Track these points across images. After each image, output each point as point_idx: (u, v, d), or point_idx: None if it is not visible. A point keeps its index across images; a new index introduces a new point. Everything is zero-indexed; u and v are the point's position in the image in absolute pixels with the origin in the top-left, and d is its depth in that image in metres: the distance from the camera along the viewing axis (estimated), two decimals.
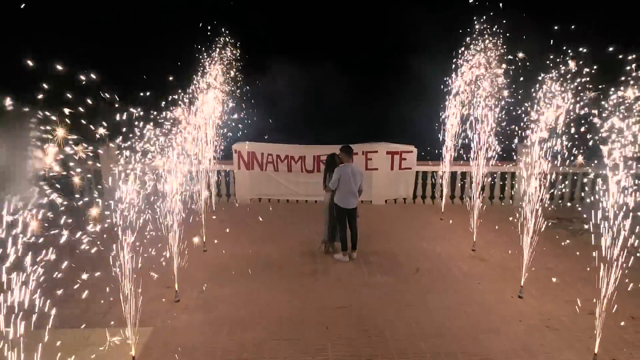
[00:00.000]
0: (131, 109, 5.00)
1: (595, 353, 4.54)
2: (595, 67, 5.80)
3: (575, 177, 10.27)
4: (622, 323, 5.25)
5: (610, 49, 5.51)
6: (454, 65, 8.35)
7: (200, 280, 6.38)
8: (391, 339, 5.01)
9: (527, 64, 7.26)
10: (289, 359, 4.62)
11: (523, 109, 6.61)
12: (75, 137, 3.50)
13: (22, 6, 6.20)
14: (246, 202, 10.39)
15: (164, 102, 6.41)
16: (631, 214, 4.38)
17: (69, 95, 4.11)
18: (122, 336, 4.67)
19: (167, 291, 5.94)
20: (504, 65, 7.61)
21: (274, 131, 11.01)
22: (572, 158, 5.84)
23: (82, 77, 4.36)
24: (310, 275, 6.70)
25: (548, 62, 5.92)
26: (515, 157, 9.57)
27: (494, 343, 4.95)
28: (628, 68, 4.71)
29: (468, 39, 8.12)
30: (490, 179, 9.97)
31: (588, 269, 5.84)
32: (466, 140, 7.94)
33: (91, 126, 4.18)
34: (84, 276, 5.20)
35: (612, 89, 4.74)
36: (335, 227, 7.30)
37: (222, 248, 7.56)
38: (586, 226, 4.67)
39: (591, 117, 5.09)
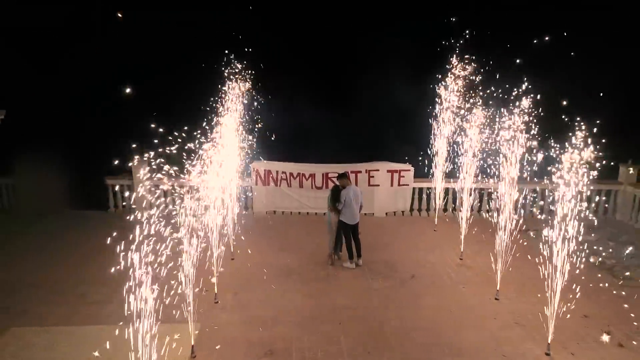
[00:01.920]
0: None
1: (549, 342, 5.85)
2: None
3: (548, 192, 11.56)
4: (567, 318, 6.57)
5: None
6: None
7: (232, 285, 7.70)
8: (390, 332, 6.34)
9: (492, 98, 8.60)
10: (312, 349, 5.94)
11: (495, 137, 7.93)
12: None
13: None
14: (263, 215, 11.68)
15: (198, 133, 7.71)
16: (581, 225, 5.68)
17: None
18: (177, 330, 5.98)
19: (207, 294, 7.26)
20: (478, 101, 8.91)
21: (280, 149, 12.25)
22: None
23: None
24: (323, 280, 8.02)
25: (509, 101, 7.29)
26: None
27: (471, 336, 6.27)
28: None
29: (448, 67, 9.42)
30: (476, 194, 11.24)
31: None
32: (453, 162, 9.25)
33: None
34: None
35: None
36: (340, 239, 8.61)
37: (247, 257, 8.87)
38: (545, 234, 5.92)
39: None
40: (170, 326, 5.95)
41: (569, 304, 6.41)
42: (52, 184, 11.81)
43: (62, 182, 11.89)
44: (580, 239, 5.74)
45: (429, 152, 10.08)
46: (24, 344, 6.06)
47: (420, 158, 10.87)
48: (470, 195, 9.06)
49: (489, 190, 10.75)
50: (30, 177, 11.72)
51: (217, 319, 6.63)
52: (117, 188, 11.80)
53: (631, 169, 10.92)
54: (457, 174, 9.14)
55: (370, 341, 6.12)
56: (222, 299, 7.20)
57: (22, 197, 11.84)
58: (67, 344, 6.06)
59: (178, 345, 5.76)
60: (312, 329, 6.42)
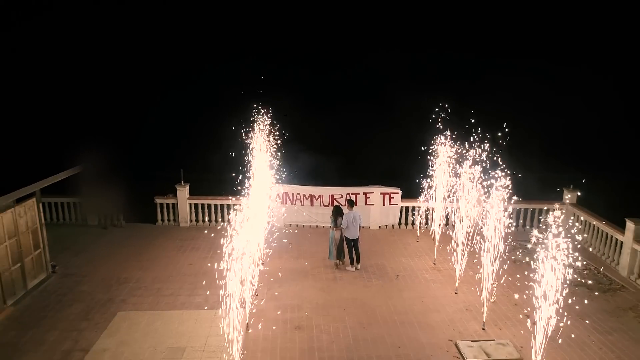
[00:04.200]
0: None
1: (484, 321, 8.77)
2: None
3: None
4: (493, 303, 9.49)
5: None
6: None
7: (266, 283, 10.58)
8: (379, 315, 9.26)
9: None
10: (325, 325, 8.85)
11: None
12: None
13: None
14: (282, 228, 14.55)
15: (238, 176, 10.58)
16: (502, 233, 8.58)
17: None
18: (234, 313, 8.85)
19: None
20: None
21: (297, 175, 15.13)
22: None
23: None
24: (332, 280, 10.94)
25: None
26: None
27: (435, 317, 9.20)
28: None
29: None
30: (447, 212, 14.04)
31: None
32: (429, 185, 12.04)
33: None
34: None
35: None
36: (343, 250, 11.50)
37: (273, 262, 11.75)
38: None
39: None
40: (228, 312, 8.83)
41: (502, 296, 9.35)
42: (111, 202, 14.66)
43: (118, 200, 14.73)
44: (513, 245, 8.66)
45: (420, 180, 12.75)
46: (130, 324, 8.94)
47: (407, 184, 13.78)
48: (443, 212, 11.93)
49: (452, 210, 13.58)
50: (93, 196, 14.58)
51: (259, 307, 9.50)
52: (164, 205, 14.69)
53: (570, 193, 13.85)
54: (432, 196, 12.00)
55: (365, 320, 9.05)
56: (260, 293, 10.09)
57: (87, 213, 14.71)
58: (160, 323, 8.95)
59: (236, 324, 8.66)
60: (325, 312, 9.35)
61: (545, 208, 14.01)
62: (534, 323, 8.70)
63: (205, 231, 13.60)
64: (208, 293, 9.80)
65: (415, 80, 29.76)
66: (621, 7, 31.23)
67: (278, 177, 12.44)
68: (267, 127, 12.22)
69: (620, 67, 30.07)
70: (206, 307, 9.32)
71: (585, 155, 22.03)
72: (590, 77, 28.94)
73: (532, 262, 6.93)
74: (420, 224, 13.85)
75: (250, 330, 8.58)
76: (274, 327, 8.75)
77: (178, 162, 16.24)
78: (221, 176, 14.49)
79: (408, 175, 13.70)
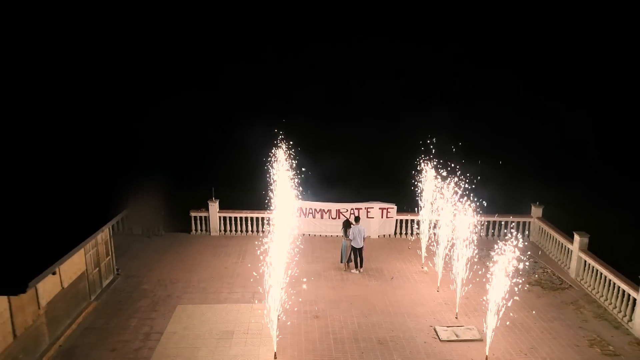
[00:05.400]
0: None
1: (457, 312, 11.59)
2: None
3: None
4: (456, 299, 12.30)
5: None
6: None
7: (290, 283, 13.36)
8: (377, 307, 12.08)
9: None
10: (336, 314, 11.67)
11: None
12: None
13: None
14: (296, 237, 17.30)
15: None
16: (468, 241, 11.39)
17: None
18: (265, 307, 11.62)
19: None
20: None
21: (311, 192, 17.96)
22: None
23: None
24: (340, 280, 13.76)
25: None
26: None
27: (420, 309, 12.02)
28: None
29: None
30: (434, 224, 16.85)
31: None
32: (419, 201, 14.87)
33: None
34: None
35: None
36: (350, 256, 14.31)
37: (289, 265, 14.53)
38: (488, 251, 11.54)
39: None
40: (262, 304, 11.66)
41: (475, 293, 12.16)
42: (152, 214, 17.45)
43: (158, 213, 17.51)
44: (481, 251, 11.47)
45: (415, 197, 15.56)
46: (188, 314, 11.74)
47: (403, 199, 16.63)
48: (431, 224, 14.73)
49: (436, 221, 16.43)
50: (137, 208, 17.36)
51: (285, 301, 12.28)
52: (197, 218, 17.49)
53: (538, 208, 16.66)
54: (420, 209, 14.79)
55: (367, 311, 11.87)
56: (286, 291, 12.87)
57: (132, 224, 17.51)
58: (211, 313, 11.75)
59: (271, 313, 11.47)
60: (335, 305, 12.16)
61: (516, 220, 16.87)
62: (496, 313, 11.57)
63: (233, 239, 16.48)
64: (243, 290, 12.64)
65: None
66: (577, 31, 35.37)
67: (297, 195, 15.27)
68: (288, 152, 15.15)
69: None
70: (245, 302, 12.16)
71: (550, 173, 25.58)
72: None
73: (497, 267, 9.53)
74: (412, 233, 16.72)
75: (284, 317, 11.36)
76: (297, 317, 11.57)
77: (206, 178, 19.17)
78: (247, 190, 17.60)
79: (404, 193, 16.59)
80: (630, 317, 11.11)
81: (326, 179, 20.17)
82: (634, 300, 10.98)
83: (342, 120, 32.80)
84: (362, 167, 26.24)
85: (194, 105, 33.15)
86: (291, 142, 16.34)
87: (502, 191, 17.64)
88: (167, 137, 28.24)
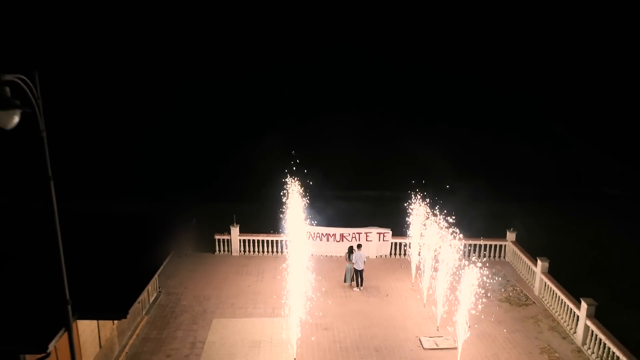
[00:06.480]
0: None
1: (438, 325, 14.46)
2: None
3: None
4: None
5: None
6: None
7: (303, 300, 16.22)
8: (375, 319, 14.96)
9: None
10: (342, 326, 14.54)
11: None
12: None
13: None
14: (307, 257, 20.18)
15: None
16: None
17: None
18: (283, 321, 14.44)
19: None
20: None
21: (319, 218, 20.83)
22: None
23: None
24: (344, 297, 16.63)
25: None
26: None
27: (409, 321, 14.91)
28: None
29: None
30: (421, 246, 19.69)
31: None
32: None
33: None
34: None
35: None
36: (353, 275, 17.17)
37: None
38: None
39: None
40: (281, 318, 14.49)
41: (456, 308, 15.03)
42: (181, 236, 20.28)
43: (188, 235, 20.33)
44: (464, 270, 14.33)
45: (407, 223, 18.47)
46: (222, 326, 14.59)
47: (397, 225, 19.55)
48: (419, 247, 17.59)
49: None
50: (170, 231, 20.20)
51: (299, 315, 15.14)
52: (221, 240, 20.35)
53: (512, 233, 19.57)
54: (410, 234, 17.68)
55: (366, 324, 14.75)
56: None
57: None
58: (241, 326, 14.61)
59: (290, 326, 14.31)
60: (340, 319, 15.04)
61: (494, 243, 19.78)
62: (474, 325, 14.38)
63: (252, 259, 19.38)
64: (265, 306, 15.53)
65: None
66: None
67: (308, 221, 18.12)
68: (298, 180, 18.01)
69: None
70: (267, 316, 15.03)
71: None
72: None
73: (473, 286, 12.38)
74: (405, 255, 19.66)
75: (299, 329, 14.21)
76: (310, 329, 14.43)
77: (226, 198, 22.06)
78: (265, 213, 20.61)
79: (398, 220, 19.52)
80: (575, 329, 14.00)
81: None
82: (577, 316, 13.86)
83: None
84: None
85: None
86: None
87: (481, 218, 20.70)
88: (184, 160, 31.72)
